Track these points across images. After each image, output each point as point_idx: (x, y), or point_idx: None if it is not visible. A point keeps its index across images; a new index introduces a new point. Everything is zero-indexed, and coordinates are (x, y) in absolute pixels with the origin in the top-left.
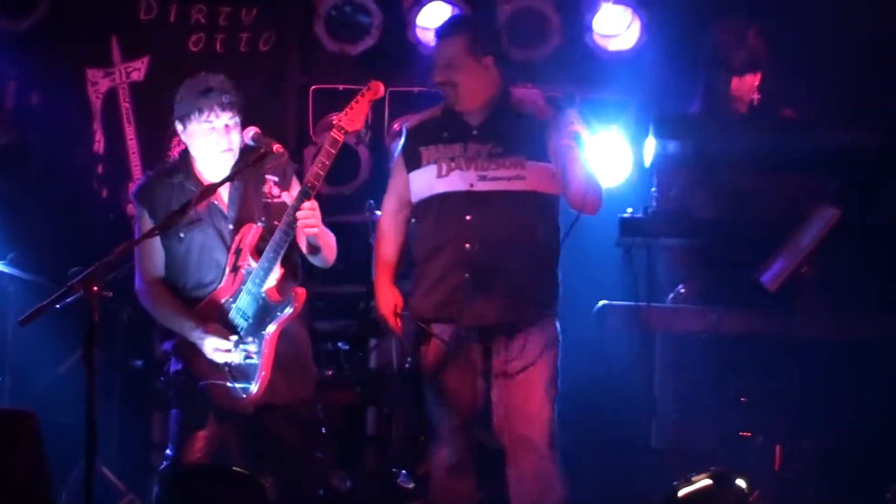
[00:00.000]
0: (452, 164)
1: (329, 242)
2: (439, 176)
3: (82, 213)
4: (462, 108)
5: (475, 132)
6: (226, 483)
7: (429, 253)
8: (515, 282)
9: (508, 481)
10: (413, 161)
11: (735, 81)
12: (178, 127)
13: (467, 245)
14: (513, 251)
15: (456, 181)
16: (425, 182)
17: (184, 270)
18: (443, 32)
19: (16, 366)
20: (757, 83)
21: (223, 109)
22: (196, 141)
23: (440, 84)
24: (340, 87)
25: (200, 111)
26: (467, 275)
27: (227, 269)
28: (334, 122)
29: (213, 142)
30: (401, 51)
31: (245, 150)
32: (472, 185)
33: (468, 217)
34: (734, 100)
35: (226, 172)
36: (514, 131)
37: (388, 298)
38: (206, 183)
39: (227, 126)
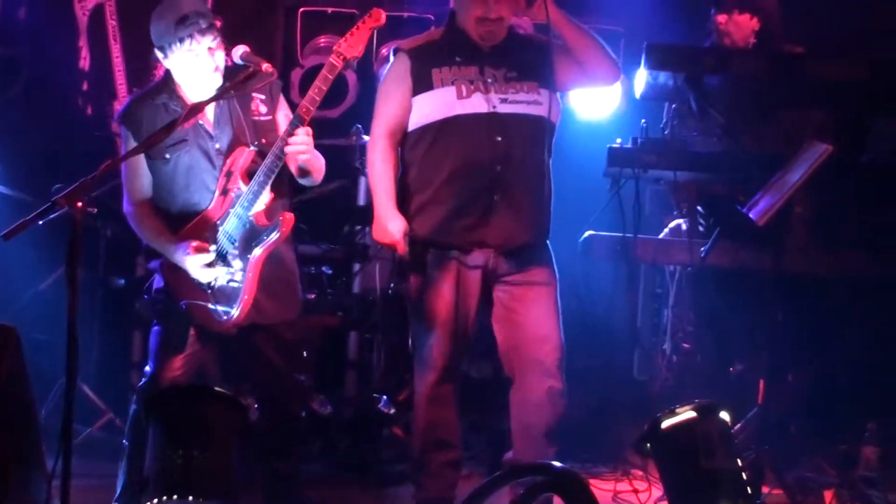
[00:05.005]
0: (472, 87)
1: (318, 165)
2: (460, 97)
3: (67, 130)
4: (498, 41)
5: (487, 56)
6: (206, 402)
7: (449, 177)
8: (537, 204)
9: (513, 406)
10: (423, 83)
11: (721, 17)
12: (159, 55)
13: (498, 167)
14: (534, 174)
15: (479, 103)
16: (441, 104)
17: (171, 192)
18: None
19: None
20: (755, 28)
21: (203, 34)
22: (181, 67)
23: (492, 21)
24: (329, 9)
25: (181, 41)
26: (497, 196)
27: (217, 192)
28: (334, 48)
29: (198, 66)
30: None
31: (234, 69)
32: (495, 108)
33: (499, 139)
34: (723, 35)
35: (211, 90)
36: (524, 56)
37: (397, 222)
38: (190, 102)
39: (209, 49)
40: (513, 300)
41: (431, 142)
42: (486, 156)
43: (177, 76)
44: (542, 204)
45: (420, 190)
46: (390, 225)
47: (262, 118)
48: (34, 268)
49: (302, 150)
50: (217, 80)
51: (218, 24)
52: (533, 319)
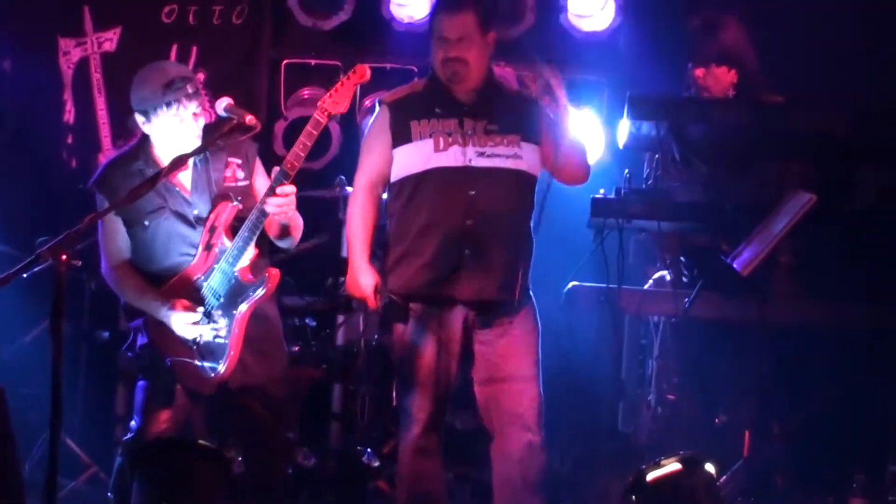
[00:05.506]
0: (450, 139)
1: (298, 224)
2: (437, 150)
3: (51, 183)
4: (466, 86)
5: (467, 108)
6: (190, 456)
7: (423, 229)
8: (510, 260)
9: (493, 459)
10: (402, 135)
11: (699, 71)
12: (140, 119)
13: (469, 221)
14: (509, 229)
15: (455, 156)
16: (419, 156)
17: (150, 258)
18: (453, 7)
19: None
20: (733, 80)
21: (189, 100)
22: (163, 132)
23: (452, 60)
24: (312, 61)
25: (168, 105)
26: (468, 251)
27: (201, 247)
28: (318, 104)
29: (181, 131)
30: (373, 26)
31: (217, 121)
32: (470, 161)
33: (472, 192)
34: (702, 89)
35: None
36: (506, 109)
37: (367, 277)
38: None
39: (194, 114)
40: (491, 354)
41: (410, 194)
42: (457, 209)
43: (156, 140)
44: (518, 260)
45: (399, 242)
46: (361, 279)
47: (239, 184)
48: (18, 321)
49: (284, 208)
50: (195, 143)
51: (200, 76)
52: (511, 374)
